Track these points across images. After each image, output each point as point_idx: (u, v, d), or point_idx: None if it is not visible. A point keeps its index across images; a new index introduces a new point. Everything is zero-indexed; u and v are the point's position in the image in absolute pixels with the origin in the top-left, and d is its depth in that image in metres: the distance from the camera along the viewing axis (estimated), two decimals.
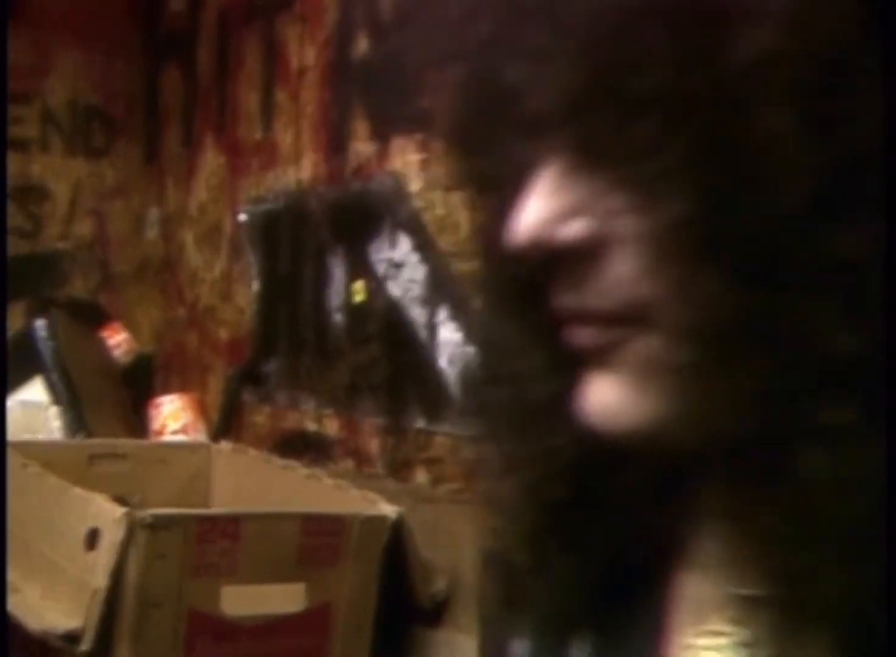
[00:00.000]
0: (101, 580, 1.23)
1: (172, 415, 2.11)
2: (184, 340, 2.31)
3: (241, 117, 2.12)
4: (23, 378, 2.08)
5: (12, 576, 1.39)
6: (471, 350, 1.42)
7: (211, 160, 2.23)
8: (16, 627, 1.31)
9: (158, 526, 1.24)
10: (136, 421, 2.19)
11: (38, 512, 1.43)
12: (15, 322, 2.37)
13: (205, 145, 2.27)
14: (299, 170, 1.88)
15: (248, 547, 1.29)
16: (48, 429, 1.93)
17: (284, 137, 1.95)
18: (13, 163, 2.44)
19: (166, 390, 2.27)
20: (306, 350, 1.83)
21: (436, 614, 1.46)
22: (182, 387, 2.25)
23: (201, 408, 2.15)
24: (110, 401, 2.16)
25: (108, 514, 1.25)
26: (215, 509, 1.38)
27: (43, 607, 1.29)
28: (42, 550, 1.38)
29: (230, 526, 1.29)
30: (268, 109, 2.02)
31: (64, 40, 2.49)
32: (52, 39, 2.48)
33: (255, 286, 2.01)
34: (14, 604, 1.32)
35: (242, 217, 2.07)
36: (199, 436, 2.09)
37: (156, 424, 2.14)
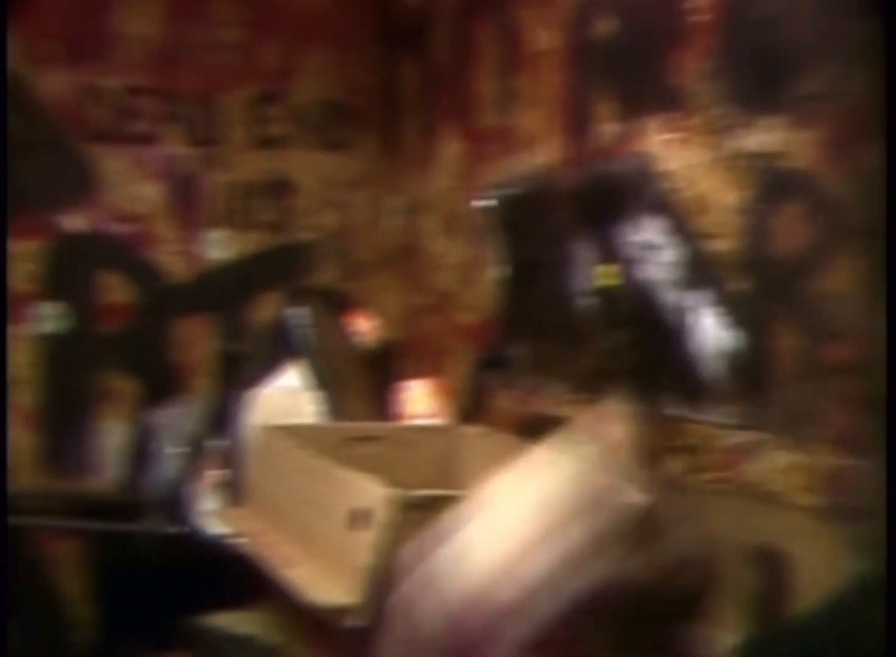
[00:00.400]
0: (371, 558, 1.28)
1: (418, 400, 2.17)
2: (426, 326, 2.36)
3: (479, 104, 2.14)
4: (279, 364, 2.20)
5: (293, 551, 1.47)
6: (730, 335, 1.38)
7: (450, 148, 2.27)
8: (294, 599, 1.39)
9: (426, 506, 1.27)
10: (382, 405, 2.26)
11: (306, 492, 1.50)
12: (269, 311, 2.51)
13: (443, 133, 2.30)
14: (541, 153, 1.87)
15: None
16: (304, 413, 2.02)
17: (524, 122, 1.95)
18: (264, 160, 2.57)
19: (409, 375, 2.33)
20: (551, 335, 1.83)
21: (688, 607, 1.43)
22: (424, 372, 2.30)
23: (445, 393, 2.20)
24: (358, 385, 2.24)
25: (378, 495, 1.29)
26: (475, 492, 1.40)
27: (318, 582, 1.36)
28: (312, 528, 1.45)
29: None
30: (506, 95, 2.03)
31: (309, 41, 2.59)
32: (299, 42, 2.59)
33: (498, 271, 2.03)
34: (293, 578, 1.39)
35: (483, 203, 2.09)
36: (444, 419, 2.13)
37: (402, 408, 2.20)
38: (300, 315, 2.09)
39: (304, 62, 2.59)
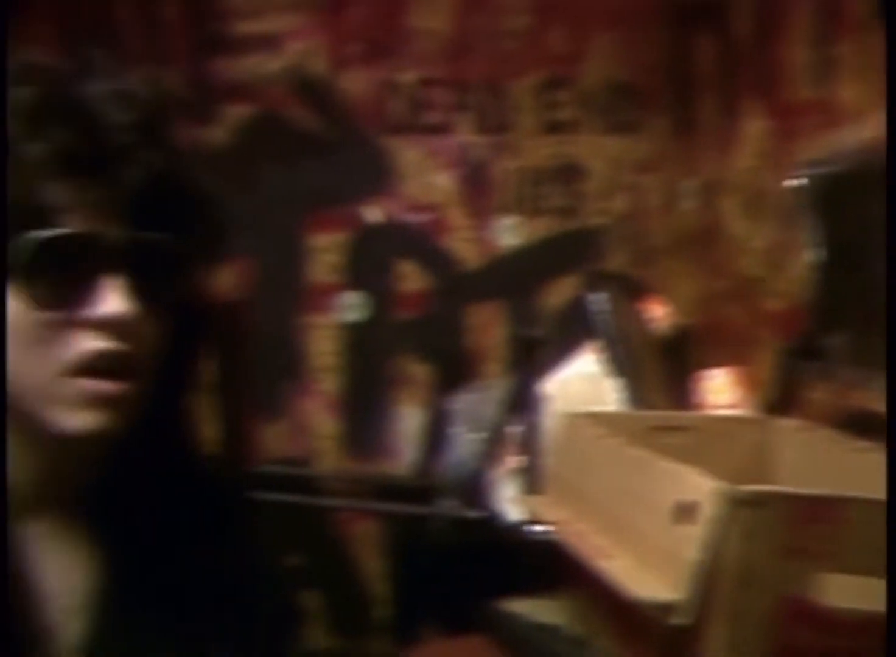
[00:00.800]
0: (696, 554, 1.23)
1: (720, 389, 2.08)
2: (726, 312, 2.26)
3: (788, 77, 2.01)
4: (574, 350, 2.17)
5: (604, 542, 1.44)
6: None
7: (753, 125, 2.16)
8: (609, 591, 1.36)
9: (756, 503, 1.20)
10: (680, 393, 2.19)
11: (620, 482, 1.46)
12: (561, 296, 2.50)
13: (745, 110, 2.19)
14: (868, 128, 1.73)
15: (848, 533, 1.21)
16: (605, 400, 1.99)
17: (846, 93, 1.81)
18: (553, 146, 2.56)
19: (706, 363, 2.24)
20: (878, 324, 1.69)
21: None
22: (724, 361, 2.20)
23: (749, 383, 2.09)
24: (656, 373, 2.18)
25: (704, 488, 1.23)
26: (814, 490, 1.31)
27: (636, 575, 1.32)
28: (629, 520, 1.40)
29: (830, 509, 1.21)
30: (823, 65, 1.89)
31: (596, 24, 2.55)
32: (586, 25, 2.55)
33: (812, 255, 1.90)
34: (609, 570, 1.36)
35: (795, 182, 1.96)
36: (748, 411, 2.03)
37: (702, 398, 2.11)
38: (599, 300, 2.06)
39: (591, 45, 2.56)
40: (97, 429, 0.84)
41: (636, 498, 1.40)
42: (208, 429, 2.18)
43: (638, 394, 1.99)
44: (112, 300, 0.82)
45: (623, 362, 2.01)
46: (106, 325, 0.83)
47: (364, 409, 2.55)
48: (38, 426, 0.85)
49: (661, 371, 2.24)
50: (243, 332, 2.26)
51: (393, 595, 2.54)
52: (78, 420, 0.83)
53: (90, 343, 0.83)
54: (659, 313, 2.35)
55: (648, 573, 1.32)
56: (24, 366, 0.83)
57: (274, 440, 2.53)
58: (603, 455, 1.53)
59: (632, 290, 2.39)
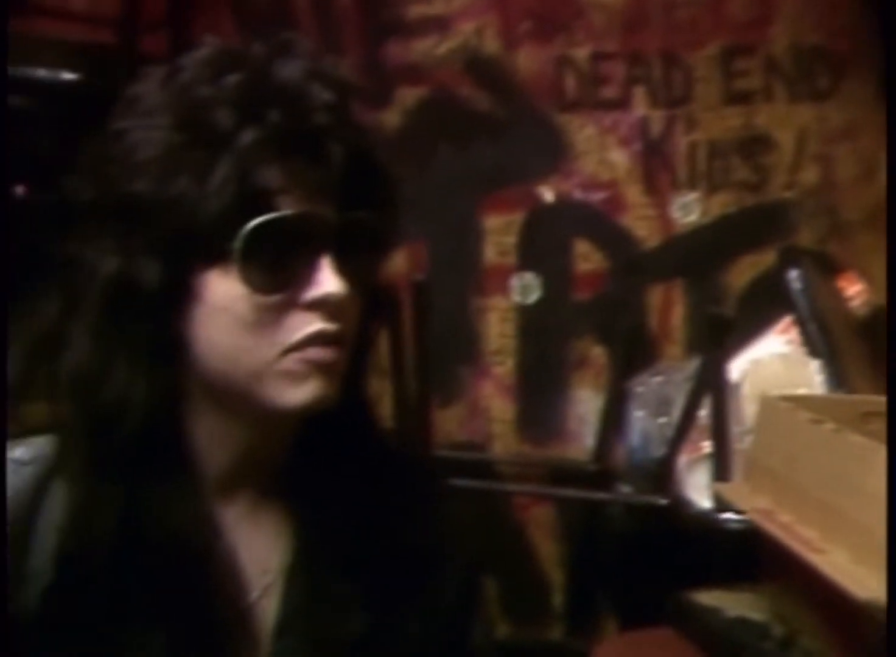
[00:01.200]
0: None
1: None
2: None
3: None
4: (764, 329, 2.07)
5: (812, 535, 1.35)
6: None
7: None
8: (823, 589, 1.27)
9: None
10: (881, 376, 2.05)
11: (838, 471, 1.36)
12: (747, 274, 2.39)
13: None
14: None
15: None
16: (803, 382, 1.88)
17: None
18: (736, 117, 2.44)
19: None
20: None
21: None
22: None
23: None
24: (856, 354, 2.05)
25: None
26: None
27: (855, 573, 1.23)
28: (846, 512, 1.31)
29: None
30: None
31: None
32: None
33: None
34: (823, 565, 1.27)
35: None
36: None
37: None
38: (794, 278, 1.94)
39: (777, 9, 2.42)
40: (317, 400, 0.83)
41: (856, 489, 1.30)
42: (387, 411, 2.18)
43: (840, 378, 1.87)
44: (328, 280, 0.82)
45: (823, 343, 1.90)
46: (324, 305, 0.82)
47: (540, 392, 2.50)
48: (252, 406, 0.84)
49: (860, 352, 2.11)
50: (422, 315, 2.25)
51: (570, 582, 2.50)
52: (299, 393, 0.83)
53: (311, 325, 0.82)
54: (853, 291, 2.22)
55: (868, 571, 1.22)
56: (245, 348, 0.83)
57: (450, 424, 2.52)
58: (814, 442, 1.44)
59: (826, 266, 2.26)
